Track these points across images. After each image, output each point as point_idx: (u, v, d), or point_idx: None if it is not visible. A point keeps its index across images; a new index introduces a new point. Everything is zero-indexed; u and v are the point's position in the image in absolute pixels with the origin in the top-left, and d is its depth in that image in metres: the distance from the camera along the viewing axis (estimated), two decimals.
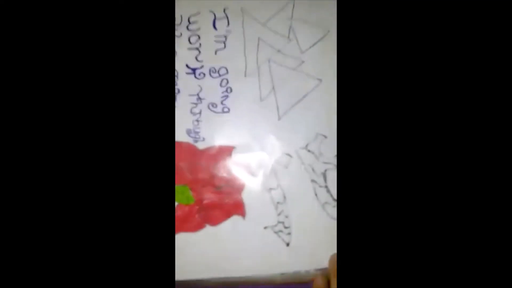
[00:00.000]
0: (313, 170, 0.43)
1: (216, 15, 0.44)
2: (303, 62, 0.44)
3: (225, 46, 0.44)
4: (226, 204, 0.44)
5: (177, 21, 0.44)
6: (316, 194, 0.43)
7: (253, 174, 0.44)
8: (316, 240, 0.43)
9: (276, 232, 0.43)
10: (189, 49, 0.45)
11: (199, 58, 0.44)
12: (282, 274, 0.43)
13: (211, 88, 0.44)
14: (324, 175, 0.43)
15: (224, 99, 0.44)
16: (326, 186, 0.43)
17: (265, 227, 0.43)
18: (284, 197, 0.43)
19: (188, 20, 0.44)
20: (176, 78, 0.44)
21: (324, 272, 0.42)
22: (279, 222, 0.43)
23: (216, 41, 0.44)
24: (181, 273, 0.41)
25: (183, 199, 0.44)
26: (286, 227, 0.43)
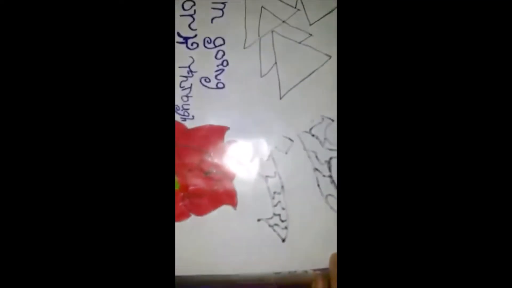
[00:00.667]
0: (316, 157, 0.38)
1: None
2: (310, 35, 0.39)
3: (223, 14, 0.39)
4: (216, 192, 0.39)
5: None
6: (318, 185, 0.38)
7: (247, 159, 0.39)
8: (316, 237, 0.38)
9: (271, 226, 0.38)
10: (182, 15, 0.39)
11: (192, 26, 0.39)
12: (277, 273, 0.38)
13: (204, 60, 0.39)
14: (329, 163, 0.38)
15: (219, 73, 0.39)
16: (330, 176, 0.38)
17: (259, 220, 0.38)
18: (282, 187, 0.38)
19: None
20: None
21: (325, 274, 0.37)
22: (275, 214, 0.38)
23: (213, 8, 0.39)
24: None
25: None
26: (282, 221, 0.38)
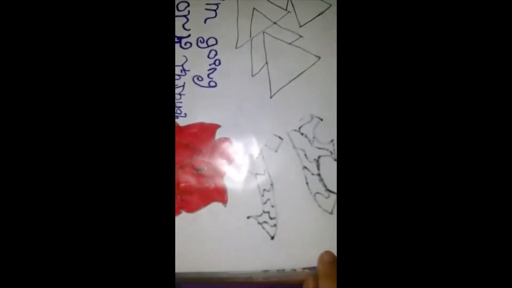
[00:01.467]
0: (305, 155, 0.39)
1: None
2: (301, 37, 0.40)
3: (216, 15, 0.40)
4: (206, 189, 0.39)
5: None
6: (307, 183, 0.39)
7: (238, 156, 0.39)
8: (305, 235, 0.39)
9: (260, 223, 0.39)
10: (176, 16, 0.40)
11: (186, 26, 0.40)
12: (265, 271, 0.38)
13: (197, 59, 0.40)
14: (318, 162, 0.39)
15: (211, 72, 0.40)
16: (319, 174, 0.39)
17: (248, 217, 0.39)
18: (272, 184, 0.39)
19: None
20: None
21: (315, 273, 0.37)
22: (264, 212, 0.39)
23: (207, 9, 0.40)
24: None
25: None
26: (271, 218, 0.39)
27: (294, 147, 0.39)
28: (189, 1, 0.41)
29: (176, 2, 0.41)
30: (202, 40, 0.40)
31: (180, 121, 0.40)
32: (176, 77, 0.40)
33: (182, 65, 0.40)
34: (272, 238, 0.39)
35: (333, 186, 0.38)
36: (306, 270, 0.38)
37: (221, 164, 0.39)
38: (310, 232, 0.38)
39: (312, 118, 0.39)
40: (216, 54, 0.40)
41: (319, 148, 0.39)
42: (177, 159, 0.39)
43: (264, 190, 0.39)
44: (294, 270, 0.39)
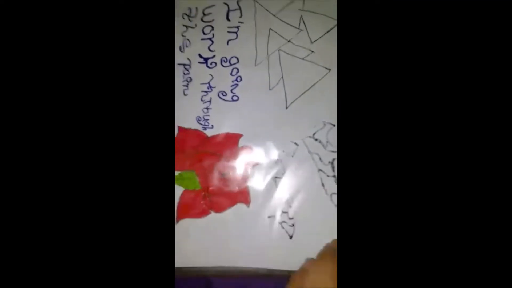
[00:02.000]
0: (320, 159, 0.42)
1: (230, 7, 0.45)
2: (312, 52, 0.44)
3: (237, 37, 0.45)
4: (231, 191, 0.44)
5: (192, 13, 0.46)
6: (323, 184, 0.42)
7: (259, 162, 0.44)
8: (321, 234, 0.41)
9: (280, 223, 0.43)
10: (203, 39, 0.46)
11: (211, 48, 0.46)
12: (281, 271, 0.42)
13: (222, 77, 0.45)
14: (332, 164, 0.42)
15: (234, 88, 0.45)
16: (334, 176, 0.42)
17: (269, 217, 0.43)
18: (290, 187, 0.43)
19: (203, 12, 0.46)
20: (188, 67, 0.46)
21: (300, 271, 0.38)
22: (283, 212, 0.43)
23: (229, 32, 0.46)
24: (182, 260, 0.41)
25: (189, 184, 0.44)
26: (290, 218, 0.42)
27: (309, 152, 0.43)
28: (213, 26, 0.46)
29: (202, 27, 0.46)
30: (225, 60, 0.45)
31: (208, 132, 0.45)
32: (204, 93, 0.45)
33: (208, 83, 0.45)
34: (291, 237, 0.42)
35: None
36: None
37: (244, 169, 0.44)
38: (326, 231, 0.41)
39: (324, 124, 0.43)
40: (237, 72, 0.45)
41: (333, 152, 0.42)
42: (205, 165, 0.45)
43: (283, 191, 0.43)
44: None
